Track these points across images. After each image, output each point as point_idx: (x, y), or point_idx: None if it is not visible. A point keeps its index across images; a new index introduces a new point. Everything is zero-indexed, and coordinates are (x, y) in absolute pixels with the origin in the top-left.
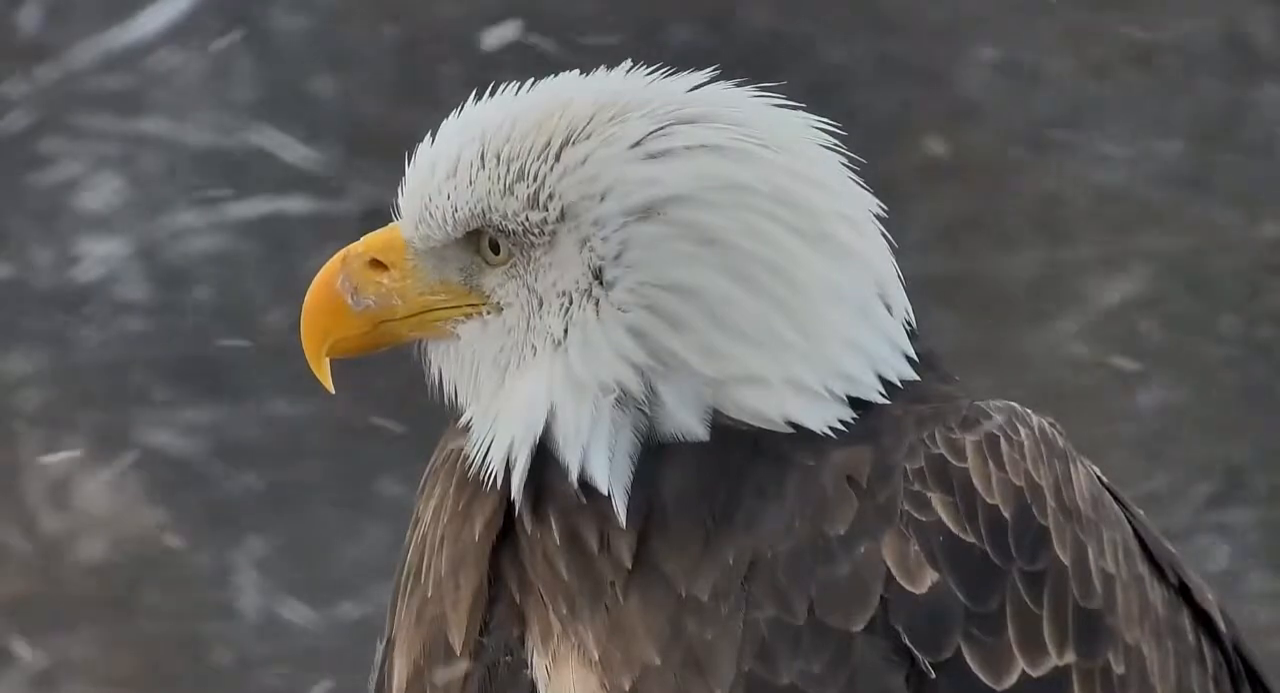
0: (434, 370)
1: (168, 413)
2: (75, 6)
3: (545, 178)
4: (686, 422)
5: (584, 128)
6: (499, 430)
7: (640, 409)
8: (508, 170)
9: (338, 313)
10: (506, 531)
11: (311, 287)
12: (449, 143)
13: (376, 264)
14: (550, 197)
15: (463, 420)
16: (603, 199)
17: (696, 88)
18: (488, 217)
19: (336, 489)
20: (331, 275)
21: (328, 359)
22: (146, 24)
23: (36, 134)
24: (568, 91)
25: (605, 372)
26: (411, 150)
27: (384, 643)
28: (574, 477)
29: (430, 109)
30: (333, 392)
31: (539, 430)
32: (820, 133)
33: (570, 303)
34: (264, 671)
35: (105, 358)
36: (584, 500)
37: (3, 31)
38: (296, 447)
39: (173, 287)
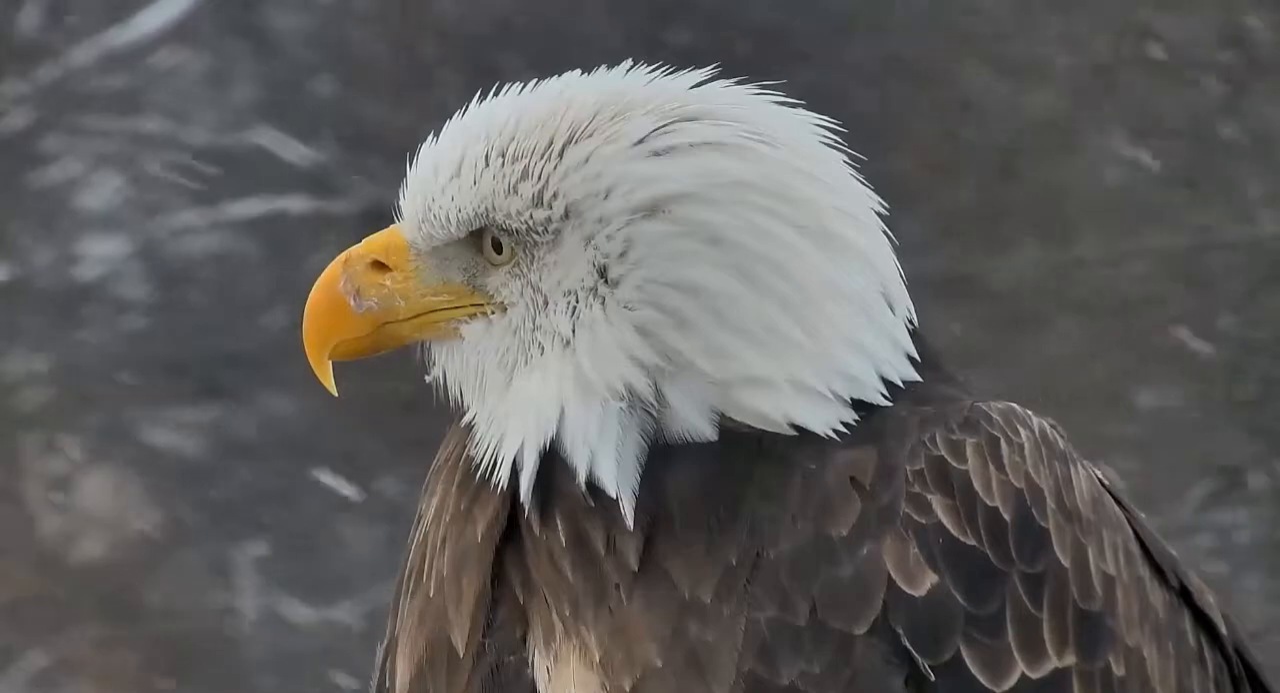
0: (438, 371)
1: (168, 413)
2: (75, 6)
3: (549, 177)
4: (693, 423)
5: (587, 125)
6: (508, 431)
7: (647, 411)
8: (512, 170)
9: (340, 315)
10: (509, 531)
11: (313, 289)
12: (452, 143)
13: (378, 265)
14: (554, 195)
15: (465, 420)
16: (606, 197)
17: (698, 86)
18: (491, 216)
19: (336, 489)
20: (333, 278)
21: (330, 362)
22: (146, 24)
23: (36, 134)
24: (570, 90)
25: (615, 373)
26: (411, 150)
27: (385, 644)
28: (582, 479)
29: (430, 109)
30: (335, 394)
31: (551, 433)
32: (822, 130)
33: (576, 302)
34: (264, 671)
35: (105, 358)
36: (591, 503)
37: (3, 31)
38: (296, 447)
39: (173, 286)
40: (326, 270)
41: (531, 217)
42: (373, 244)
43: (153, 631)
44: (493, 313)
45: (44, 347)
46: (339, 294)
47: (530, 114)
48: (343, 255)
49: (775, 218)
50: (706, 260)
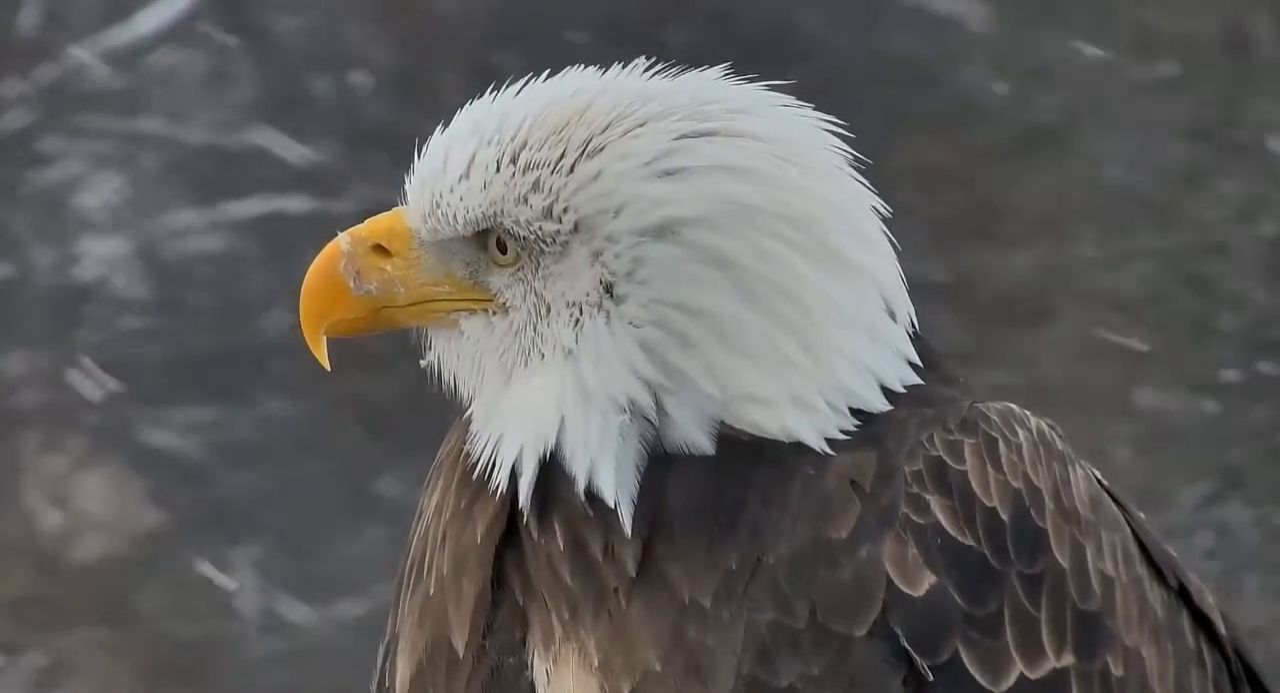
0: (435, 356)
1: (168, 413)
2: (75, 6)
3: (560, 191)
4: (692, 436)
5: (599, 139)
6: (506, 434)
7: (647, 419)
8: (524, 180)
9: (338, 296)
10: (509, 532)
11: (313, 267)
12: (464, 140)
13: (380, 250)
14: (565, 209)
15: (467, 415)
16: (616, 216)
17: (711, 91)
18: (500, 220)
19: (336, 489)
20: (333, 256)
21: (325, 337)
22: (145, 24)
23: (36, 134)
24: (583, 96)
25: (616, 385)
26: (411, 150)
27: (386, 641)
28: (581, 487)
29: (430, 109)
30: (329, 368)
31: (550, 440)
32: (832, 136)
33: (580, 314)
34: (264, 671)
35: (105, 358)
36: (589, 512)
37: (3, 31)
38: (296, 447)
39: (172, 286)
40: (327, 248)
41: (541, 228)
42: (376, 227)
43: (152, 630)
44: (493, 313)
45: (44, 347)
46: (339, 274)
47: (545, 122)
48: (345, 234)
49: (782, 242)
50: (713, 284)
